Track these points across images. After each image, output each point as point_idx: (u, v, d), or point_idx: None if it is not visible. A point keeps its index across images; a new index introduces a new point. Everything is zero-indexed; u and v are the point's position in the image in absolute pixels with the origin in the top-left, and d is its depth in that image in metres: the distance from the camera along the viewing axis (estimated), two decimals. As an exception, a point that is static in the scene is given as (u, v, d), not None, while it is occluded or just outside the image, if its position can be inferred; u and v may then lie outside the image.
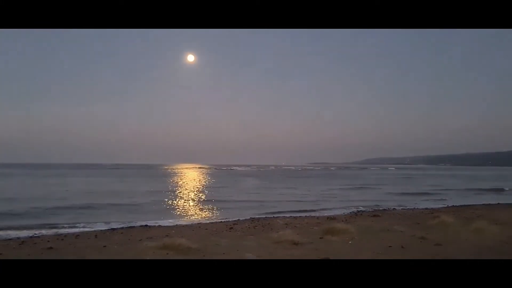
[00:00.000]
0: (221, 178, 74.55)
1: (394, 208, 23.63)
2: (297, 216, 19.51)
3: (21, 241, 12.37)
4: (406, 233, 12.57)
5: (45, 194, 33.65)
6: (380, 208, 23.65)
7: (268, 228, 14.62)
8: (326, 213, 21.08)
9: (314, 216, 19.36)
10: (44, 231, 15.07)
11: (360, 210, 22.53)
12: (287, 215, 20.52)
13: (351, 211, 22.30)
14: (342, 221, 16.12)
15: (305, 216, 19.81)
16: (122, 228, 15.80)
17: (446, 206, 25.18)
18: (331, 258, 8.83)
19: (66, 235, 13.82)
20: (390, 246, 10.40)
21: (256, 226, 15.52)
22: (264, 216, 19.65)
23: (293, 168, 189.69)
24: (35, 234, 14.37)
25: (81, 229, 15.61)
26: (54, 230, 15.41)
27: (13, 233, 14.51)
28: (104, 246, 10.98)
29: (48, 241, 12.21)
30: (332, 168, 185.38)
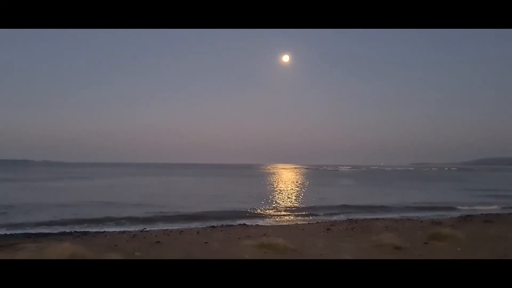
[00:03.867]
0: (321, 178, 73.97)
1: (511, 214, 21.35)
2: (398, 219, 18.57)
3: (133, 235, 13.48)
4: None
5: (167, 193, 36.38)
6: (493, 213, 21.53)
7: (367, 231, 14.11)
8: (430, 217, 19.77)
9: (417, 220, 18.27)
10: (153, 226, 16.38)
11: (470, 215, 20.71)
12: (387, 217, 19.65)
13: (459, 215, 20.64)
14: (449, 226, 14.94)
15: (407, 219, 18.78)
16: (222, 226, 16.43)
17: None
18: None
19: (171, 230, 14.74)
20: (505, 255, 9.39)
21: (354, 228, 15.08)
22: (362, 218, 19.04)
23: (400, 168, 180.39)
24: (145, 228, 15.64)
25: (185, 226, 16.59)
26: (161, 226, 16.66)
27: (127, 227, 16.05)
28: (206, 243, 11.48)
29: (156, 236, 13.12)
30: (453, 169, 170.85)
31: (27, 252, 8.64)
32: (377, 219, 18.70)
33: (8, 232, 14.63)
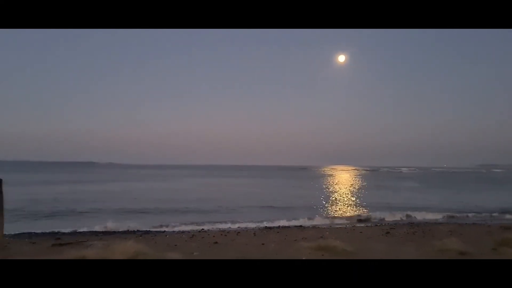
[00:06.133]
0: (384, 180, 72.02)
1: None
2: (463, 223, 17.63)
3: (192, 235, 13.83)
4: None
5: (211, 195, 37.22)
6: None
7: (429, 235, 13.50)
8: (500, 222, 18.57)
9: (483, 224, 17.24)
10: (210, 227, 16.74)
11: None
12: (451, 221, 18.72)
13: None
14: (522, 231, 13.93)
15: (473, 223, 17.78)
16: (278, 227, 16.44)
17: None
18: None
19: (228, 231, 14.97)
20: None
21: (415, 232, 14.48)
22: (424, 221, 18.28)
23: (468, 170, 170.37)
24: (203, 229, 16.02)
25: (242, 227, 16.79)
26: (218, 226, 16.99)
27: (186, 227, 16.53)
28: (262, 244, 11.53)
29: (214, 236, 13.38)
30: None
31: (94, 249, 9.14)
32: (440, 223, 17.88)
33: (78, 230, 15.57)
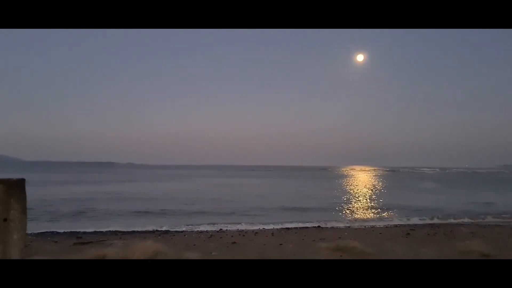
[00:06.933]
0: (406, 181, 71.12)
1: None
2: (485, 225, 17.26)
3: (210, 235, 13.89)
4: None
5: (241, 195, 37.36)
6: None
7: (450, 237, 13.26)
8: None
9: (506, 226, 16.83)
10: (228, 227, 16.77)
11: None
12: (474, 222, 18.34)
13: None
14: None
15: (496, 225, 17.38)
16: (296, 228, 16.38)
17: None
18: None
19: (246, 231, 14.99)
20: None
21: (436, 233, 14.24)
22: (445, 223, 17.96)
23: (492, 170, 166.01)
24: (221, 229, 16.06)
25: (260, 227, 16.78)
26: (236, 227, 17.01)
27: (204, 228, 16.64)
28: (280, 244, 11.51)
29: (232, 236, 13.42)
30: None
31: (114, 248, 9.27)
32: (462, 224, 17.54)
33: (98, 230, 15.80)
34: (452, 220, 19.62)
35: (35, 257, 7.26)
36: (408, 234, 13.97)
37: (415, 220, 19.79)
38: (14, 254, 2.63)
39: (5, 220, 2.52)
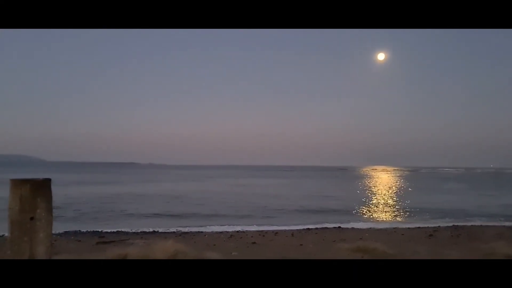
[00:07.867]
0: (428, 181, 69.98)
1: None
2: (511, 226, 16.81)
3: (230, 235, 13.94)
4: None
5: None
6: None
7: (474, 238, 12.96)
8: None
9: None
10: (248, 228, 16.82)
11: None
12: (499, 224, 17.90)
13: None
14: None
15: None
16: (316, 228, 16.30)
17: None
18: None
19: (267, 232, 14.98)
20: None
21: (459, 234, 13.95)
22: (470, 224, 17.59)
23: (509, 171, 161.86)
24: (241, 229, 16.11)
25: (280, 227, 16.76)
26: (256, 227, 17.04)
27: (224, 228, 16.72)
28: (301, 245, 11.47)
29: (252, 237, 13.43)
30: None
31: (136, 248, 9.39)
32: (486, 225, 17.13)
33: (120, 230, 16.05)
34: (478, 221, 19.19)
35: (60, 255, 7.42)
36: (431, 235, 13.73)
37: (438, 222, 19.43)
38: (41, 251, 2.69)
39: (31, 218, 2.59)
